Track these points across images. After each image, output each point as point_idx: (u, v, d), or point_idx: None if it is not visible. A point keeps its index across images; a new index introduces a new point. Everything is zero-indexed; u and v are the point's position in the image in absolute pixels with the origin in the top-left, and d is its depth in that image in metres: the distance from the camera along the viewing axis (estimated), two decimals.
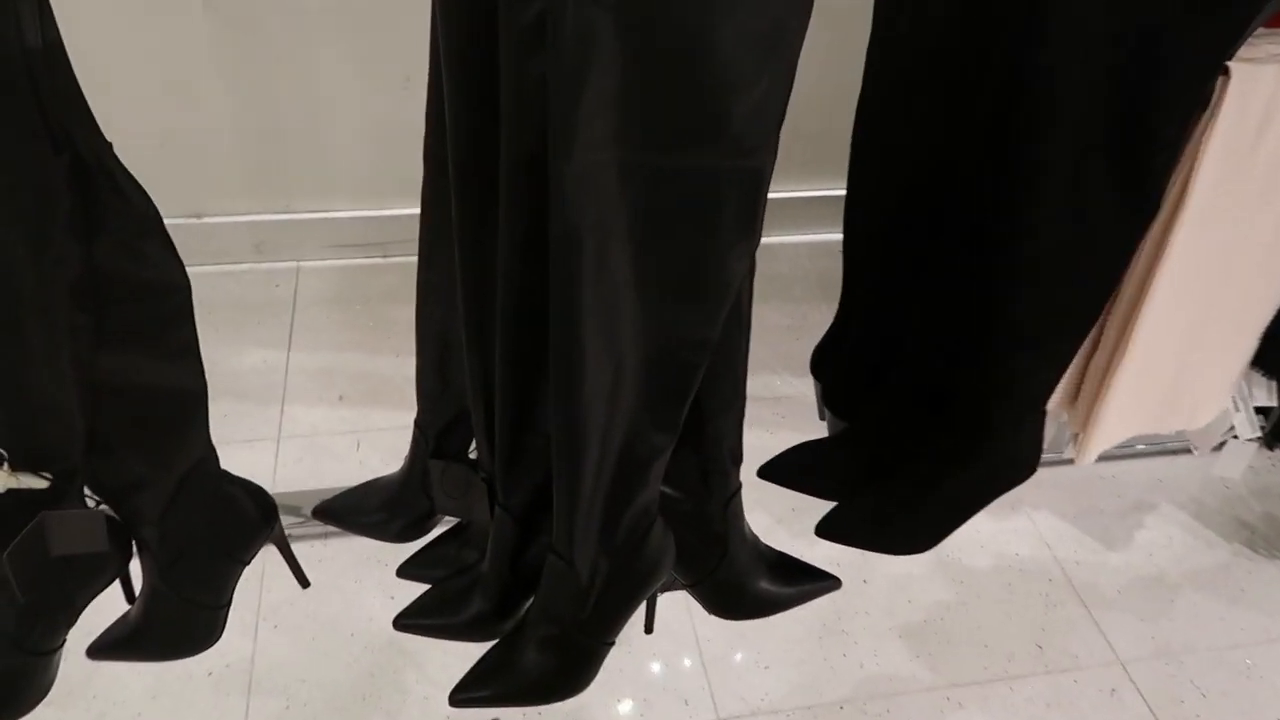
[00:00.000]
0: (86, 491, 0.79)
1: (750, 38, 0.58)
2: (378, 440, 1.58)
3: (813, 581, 0.99)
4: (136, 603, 0.88)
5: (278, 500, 1.49)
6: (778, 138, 0.65)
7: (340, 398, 1.65)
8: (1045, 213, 0.77)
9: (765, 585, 0.97)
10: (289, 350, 1.74)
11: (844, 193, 0.92)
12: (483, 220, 0.73)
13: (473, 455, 0.92)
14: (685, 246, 0.68)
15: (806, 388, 1.10)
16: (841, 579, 1.00)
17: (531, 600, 0.87)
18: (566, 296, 0.67)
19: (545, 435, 0.80)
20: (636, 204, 0.66)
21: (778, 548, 0.98)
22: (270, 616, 1.32)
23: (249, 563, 0.92)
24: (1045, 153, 0.75)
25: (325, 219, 1.89)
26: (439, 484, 0.93)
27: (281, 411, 1.62)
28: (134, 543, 0.84)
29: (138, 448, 0.78)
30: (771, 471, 0.96)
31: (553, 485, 0.78)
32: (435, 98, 0.75)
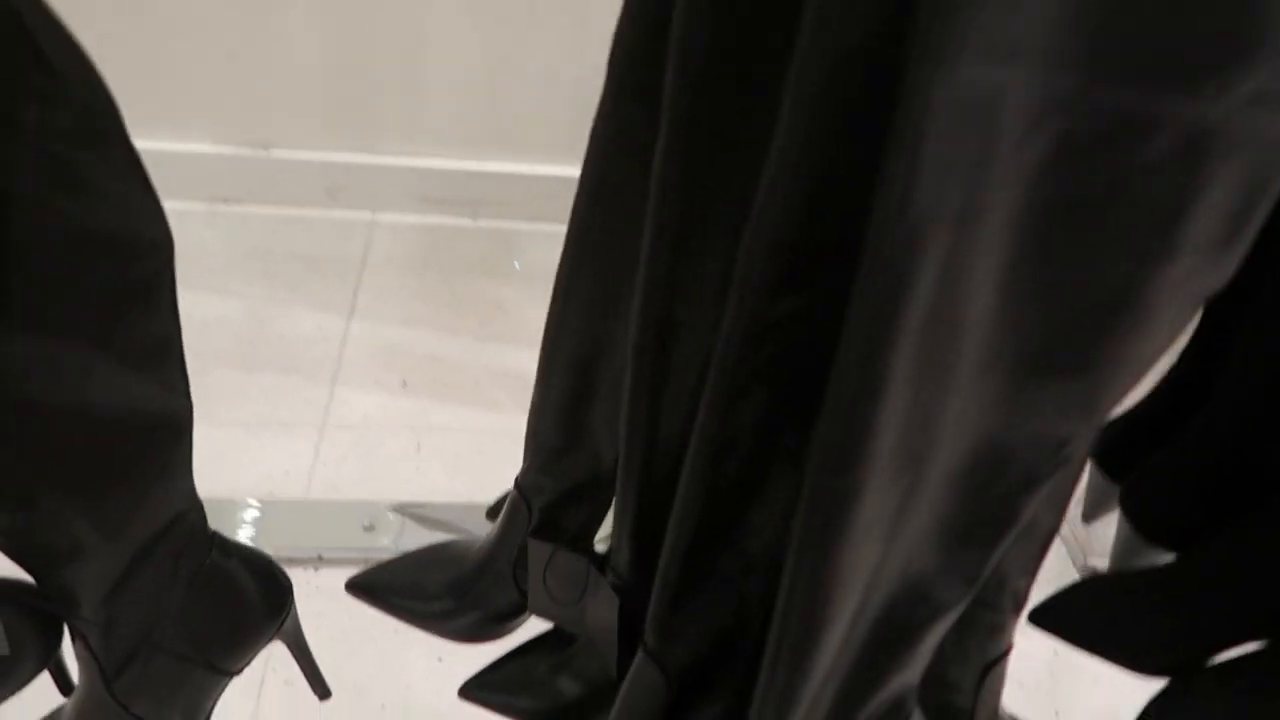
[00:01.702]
0: None
1: None
2: (442, 444, 1.26)
3: None
4: (69, 710, 0.58)
5: (312, 508, 1.20)
6: None
7: (403, 384, 1.34)
8: None
9: None
10: (350, 318, 1.43)
11: None
12: (702, 190, 0.40)
13: (599, 545, 0.59)
14: (1108, 267, 0.35)
15: None
16: None
17: None
18: (867, 335, 0.34)
19: (742, 570, 0.47)
20: (1046, 176, 0.33)
21: None
22: (281, 668, 1.01)
23: (239, 672, 0.60)
24: None
25: (410, 166, 1.59)
26: (541, 576, 0.61)
27: (331, 393, 1.31)
28: (64, 630, 0.53)
29: (75, 495, 0.47)
30: (1049, 618, 0.62)
31: (763, 654, 0.46)
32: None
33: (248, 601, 0.59)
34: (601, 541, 0.59)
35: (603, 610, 0.59)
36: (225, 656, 0.58)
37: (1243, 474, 0.61)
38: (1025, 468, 0.43)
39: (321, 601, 1.08)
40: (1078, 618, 0.62)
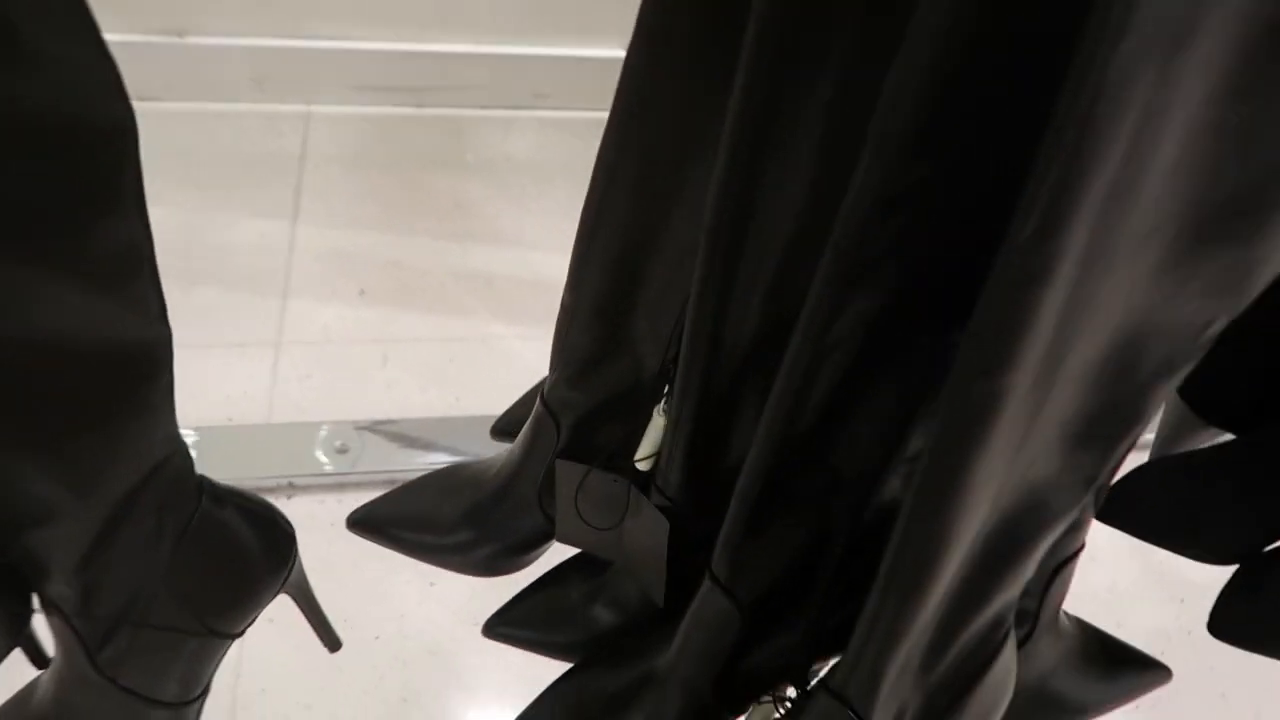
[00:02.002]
0: None
1: None
2: (412, 354, 1.18)
3: (1138, 674, 0.63)
4: (46, 683, 0.50)
5: (277, 432, 1.11)
6: None
7: (361, 292, 1.24)
8: None
9: (1073, 684, 0.60)
10: (294, 222, 1.32)
11: None
12: (803, 31, 0.32)
13: (640, 463, 0.53)
14: None
15: None
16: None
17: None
18: (1050, 203, 0.28)
19: (827, 489, 0.41)
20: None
21: None
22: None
23: (242, 634, 0.53)
24: None
25: (345, 50, 1.45)
26: (572, 500, 0.55)
27: (283, 306, 1.21)
28: (35, 601, 0.46)
29: (35, 446, 0.38)
30: (1116, 511, 0.58)
31: (845, 579, 0.40)
32: None
33: (247, 555, 0.51)
34: (641, 461, 0.53)
35: (647, 536, 0.53)
36: (225, 618, 0.50)
37: None
38: (1165, 354, 0.38)
39: (299, 531, 1.01)
40: (1141, 508, 0.58)
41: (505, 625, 0.60)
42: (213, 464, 1.02)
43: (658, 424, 0.52)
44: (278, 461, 1.04)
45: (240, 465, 1.03)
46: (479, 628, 0.95)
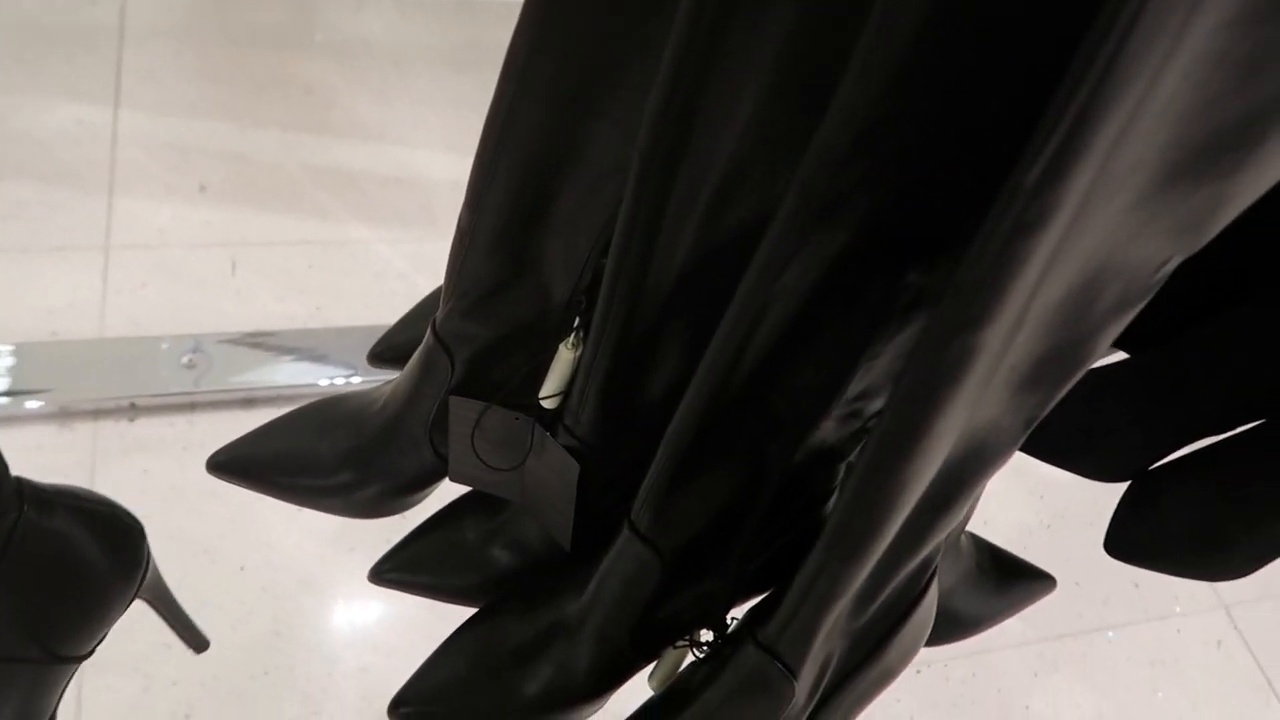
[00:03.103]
0: None
1: None
2: (265, 259, 1.08)
3: (1027, 585, 0.64)
4: None
5: (113, 347, 0.99)
6: None
7: (201, 189, 1.12)
8: None
9: (970, 600, 0.61)
10: (116, 107, 1.17)
11: None
12: None
13: (545, 400, 0.48)
14: None
15: None
16: None
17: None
18: (1064, 143, 0.24)
19: (763, 434, 0.38)
20: None
21: None
22: None
23: (89, 654, 0.46)
24: None
25: None
26: (468, 439, 0.50)
27: (110, 204, 1.08)
28: None
29: None
30: None
31: (776, 525, 0.38)
32: None
33: (88, 564, 0.43)
34: (546, 399, 0.48)
35: (553, 477, 0.49)
36: (69, 641, 0.43)
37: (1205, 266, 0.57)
38: (1120, 294, 0.36)
39: (143, 458, 0.93)
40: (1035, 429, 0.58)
41: (396, 570, 0.55)
42: (37, 383, 0.92)
43: (565, 359, 0.47)
44: (115, 380, 0.94)
45: (70, 385, 0.93)
46: (353, 555, 0.91)
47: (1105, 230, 0.32)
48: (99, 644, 0.46)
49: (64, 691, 0.45)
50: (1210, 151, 0.30)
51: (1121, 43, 0.23)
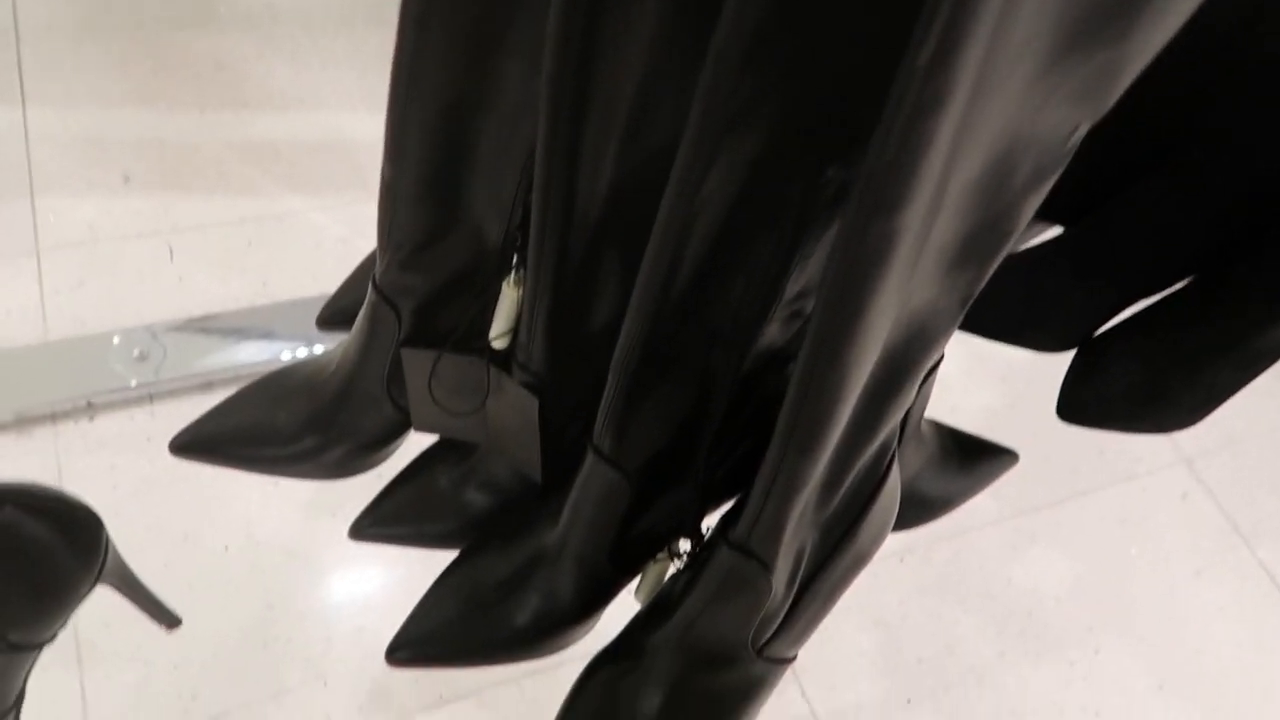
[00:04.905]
0: None
1: None
2: (201, 243, 1.06)
3: (990, 463, 0.67)
4: None
5: (61, 349, 0.98)
6: None
7: (125, 179, 1.10)
8: None
9: (936, 482, 0.64)
10: (23, 106, 1.13)
11: None
12: None
13: (495, 341, 0.49)
14: None
15: None
16: None
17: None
18: (949, 22, 0.25)
19: (705, 345, 0.39)
20: None
21: None
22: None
23: (51, 639, 0.46)
24: None
25: None
26: (425, 388, 0.51)
27: (32, 206, 1.06)
28: None
29: None
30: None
31: (730, 433, 0.39)
32: None
33: (45, 556, 0.43)
34: (496, 339, 0.49)
35: (515, 414, 0.49)
36: (29, 629, 0.43)
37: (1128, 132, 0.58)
38: (1034, 165, 0.37)
39: (108, 454, 0.92)
40: (981, 308, 0.60)
41: (375, 525, 0.56)
42: None
43: (510, 297, 0.47)
44: (67, 381, 0.93)
45: (23, 392, 0.91)
46: (335, 519, 0.91)
47: (1010, 104, 0.33)
48: (60, 629, 0.47)
49: (27, 677, 0.46)
50: (1098, 19, 0.31)
51: None
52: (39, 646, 0.45)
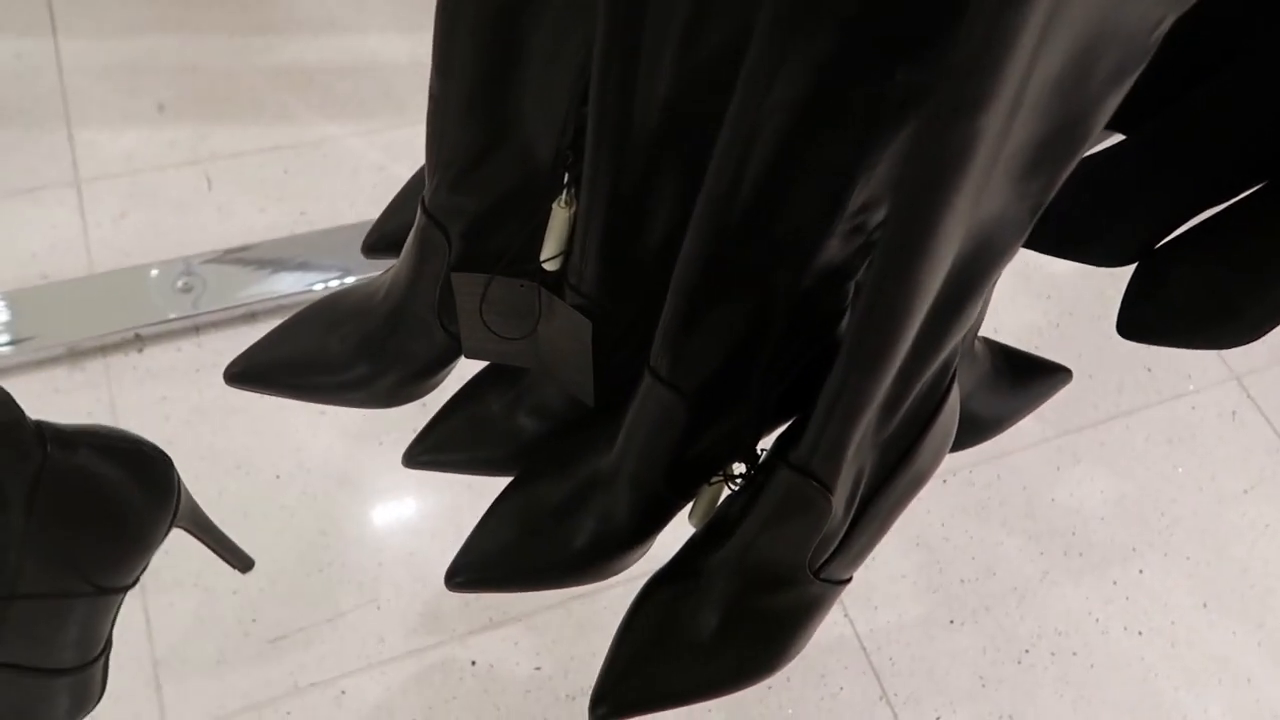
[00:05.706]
0: None
1: None
2: (239, 171, 1.06)
3: (1043, 381, 0.65)
4: None
5: (107, 282, 0.98)
6: None
7: (160, 108, 1.09)
8: None
9: (989, 401, 0.63)
10: (55, 35, 1.12)
11: None
12: None
13: (546, 263, 0.48)
14: None
15: None
16: None
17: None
18: None
19: (770, 264, 0.38)
20: None
21: None
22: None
23: (134, 583, 0.47)
24: None
25: None
26: (477, 313, 0.50)
27: (71, 138, 1.05)
28: None
29: None
30: None
31: (790, 351, 0.38)
32: None
33: (119, 498, 0.43)
34: (547, 261, 0.48)
35: (567, 338, 0.49)
36: (112, 572, 0.44)
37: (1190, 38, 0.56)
38: (1117, 60, 0.35)
39: (159, 386, 0.93)
40: (1039, 222, 0.58)
41: (427, 451, 0.56)
42: (38, 328, 0.92)
43: (561, 218, 0.47)
44: (115, 314, 0.93)
45: (70, 325, 0.92)
46: (382, 446, 0.92)
47: None
48: (143, 571, 0.47)
49: (116, 615, 0.47)
50: None
51: None
52: (124, 589, 0.46)
